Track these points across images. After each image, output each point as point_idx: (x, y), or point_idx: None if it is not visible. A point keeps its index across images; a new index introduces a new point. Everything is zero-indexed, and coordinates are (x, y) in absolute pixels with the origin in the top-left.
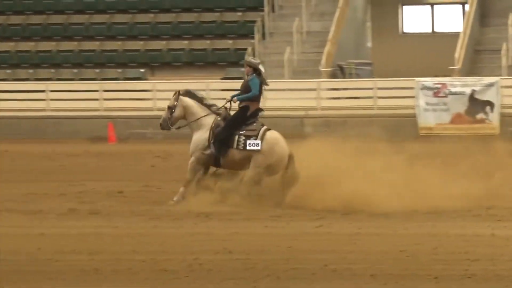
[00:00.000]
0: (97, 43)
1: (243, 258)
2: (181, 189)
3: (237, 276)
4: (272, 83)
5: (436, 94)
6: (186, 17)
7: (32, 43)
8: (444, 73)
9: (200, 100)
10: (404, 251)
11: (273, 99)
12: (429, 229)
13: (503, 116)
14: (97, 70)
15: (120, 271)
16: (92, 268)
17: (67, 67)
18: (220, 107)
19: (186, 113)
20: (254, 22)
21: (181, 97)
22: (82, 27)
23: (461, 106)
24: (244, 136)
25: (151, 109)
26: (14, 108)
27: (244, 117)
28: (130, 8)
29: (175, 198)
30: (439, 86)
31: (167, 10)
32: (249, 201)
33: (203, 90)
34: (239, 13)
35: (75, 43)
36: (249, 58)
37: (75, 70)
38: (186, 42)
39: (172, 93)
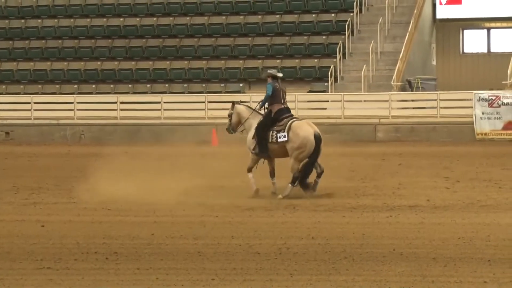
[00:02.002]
0: (204, 62)
1: (324, 243)
2: (250, 177)
3: (318, 258)
4: (351, 96)
5: (490, 105)
6: (279, 40)
7: (150, 62)
8: (497, 87)
9: (249, 106)
10: (461, 238)
11: (352, 109)
12: (483, 219)
13: None
14: (203, 85)
15: (220, 253)
16: (196, 251)
17: (178, 82)
18: (255, 107)
19: (240, 118)
20: (336, 44)
21: (236, 105)
22: (192, 48)
23: None
24: (276, 131)
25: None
26: (134, 116)
27: (269, 118)
28: (231, 33)
29: (252, 189)
30: (493, 97)
31: (263, 34)
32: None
33: (292, 101)
34: (324, 36)
35: (186, 62)
36: (267, 71)
37: (185, 85)
38: (278, 61)
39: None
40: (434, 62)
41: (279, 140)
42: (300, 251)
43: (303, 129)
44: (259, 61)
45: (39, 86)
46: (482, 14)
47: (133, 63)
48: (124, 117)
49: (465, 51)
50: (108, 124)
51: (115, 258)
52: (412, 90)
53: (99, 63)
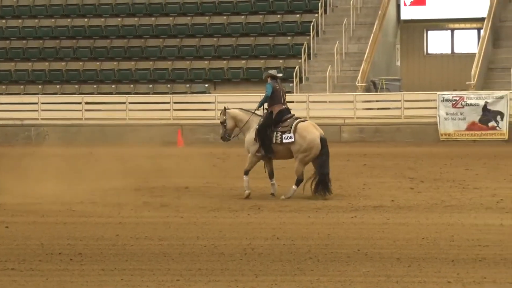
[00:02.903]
0: (169, 62)
1: (289, 244)
2: (245, 179)
3: (284, 258)
4: (316, 96)
5: (454, 105)
6: (244, 40)
7: (115, 63)
8: (461, 88)
9: (242, 109)
10: (425, 238)
11: (317, 110)
12: (447, 220)
13: (511, 124)
14: (169, 85)
15: (185, 254)
16: (161, 252)
17: (143, 83)
18: (256, 109)
19: (236, 122)
20: (301, 44)
21: (228, 111)
22: (157, 49)
23: (475, 116)
24: (280, 132)
25: (213, 118)
26: (99, 117)
27: (270, 120)
28: (197, 33)
29: (245, 191)
30: (457, 98)
31: (228, 35)
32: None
33: (257, 102)
34: (289, 37)
35: (151, 62)
36: (267, 71)
37: (150, 86)
38: (243, 61)
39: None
40: (398, 63)
41: (284, 141)
42: (265, 251)
43: (310, 132)
44: (224, 61)
45: (3, 86)
46: (446, 15)
47: (98, 63)
48: (89, 118)
49: (429, 52)
50: (73, 125)
51: (79, 259)
52: (376, 91)
53: (63, 63)
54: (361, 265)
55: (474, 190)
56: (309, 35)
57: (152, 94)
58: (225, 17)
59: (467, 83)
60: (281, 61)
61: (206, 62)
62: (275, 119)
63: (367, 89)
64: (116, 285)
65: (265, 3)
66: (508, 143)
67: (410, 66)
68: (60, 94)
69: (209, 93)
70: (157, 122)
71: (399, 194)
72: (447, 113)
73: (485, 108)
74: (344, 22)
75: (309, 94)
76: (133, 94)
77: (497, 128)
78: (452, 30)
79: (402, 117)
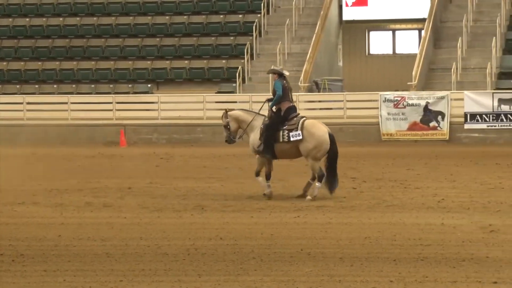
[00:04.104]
0: (112, 62)
1: (232, 244)
2: (260, 180)
3: (227, 259)
4: (259, 96)
5: (396, 106)
6: (187, 40)
7: (57, 63)
8: (403, 88)
9: (243, 109)
10: (368, 238)
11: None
12: (389, 219)
13: (452, 124)
14: (111, 85)
15: (128, 254)
16: (104, 252)
17: (86, 83)
18: (260, 109)
19: (239, 123)
20: (244, 45)
21: (229, 113)
22: (99, 49)
23: (417, 116)
24: (287, 130)
25: (156, 118)
26: (41, 117)
27: (279, 117)
28: (139, 33)
29: (265, 192)
30: (398, 99)
31: (171, 35)
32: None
33: (200, 102)
34: (231, 37)
35: (93, 62)
36: (272, 66)
37: (93, 86)
38: (186, 62)
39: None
40: (340, 63)
41: (291, 139)
42: (209, 251)
43: (318, 128)
44: (167, 61)
45: None
46: (388, 15)
47: (40, 63)
48: (31, 118)
49: (371, 52)
50: (14, 125)
51: (21, 260)
52: (319, 91)
53: (5, 63)
54: (304, 265)
55: (415, 190)
56: (252, 35)
57: (94, 94)
58: (167, 17)
59: (408, 83)
60: (224, 61)
61: (148, 62)
62: (283, 116)
63: (310, 90)
64: (58, 286)
65: (208, 3)
66: (449, 143)
67: (352, 66)
68: (1, 95)
69: (152, 93)
70: (99, 122)
71: (341, 194)
72: (389, 113)
73: (426, 108)
74: (287, 22)
75: (252, 94)
76: (75, 94)
77: (438, 128)
78: (394, 30)
79: (344, 117)
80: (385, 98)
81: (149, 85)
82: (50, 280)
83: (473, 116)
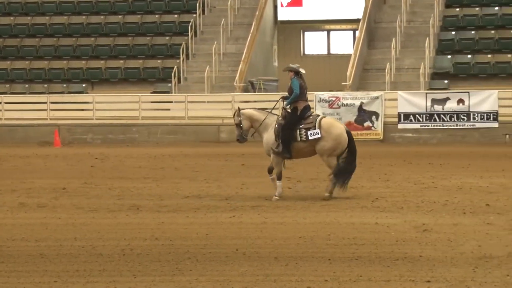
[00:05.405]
0: (46, 62)
1: (167, 244)
2: (277, 182)
3: (162, 259)
4: (194, 96)
5: (331, 106)
6: (122, 40)
7: None
8: (338, 88)
9: (256, 108)
10: (303, 237)
11: (196, 110)
12: (323, 219)
13: (385, 124)
14: (46, 85)
15: (62, 255)
16: (38, 253)
17: (20, 83)
18: (273, 107)
19: (252, 122)
20: (179, 45)
21: (242, 111)
22: (33, 49)
23: (351, 116)
24: (305, 129)
25: (91, 118)
26: None
27: (296, 116)
28: (73, 33)
29: (276, 194)
30: (333, 99)
31: (106, 35)
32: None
33: (136, 102)
34: (167, 37)
35: (27, 62)
36: (289, 64)
37: (27, 85)
38: (121, 61)
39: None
40: (276, 64)
41: (310, 137)
42: (144, 252)
43: (336, 126)
44: (102, 61)
45: None
46: (322, 16)
47: None
48: None
49: (306, 52)
50: None
51: None
52: (254, 91)
53: None
54: (240, 265)
55: (350, 189)
56: (187, 35)
57: (28, 94)
58: (102, 17)
59: (343, 83)
60: (159, 61)
61: (83, 62)
62: (300, 115)
63: (245, 89)
64: None
65: (143, 3)
66: (383, 143)
67: None
68: None
69: (86, 93)
70: (33, 122)
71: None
72: (323, 114)
73: (360, 108)
74: (222, 22)
75: (188, 94)
76: (9, 94)
77: (373, 128)
78: (328, 31)
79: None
80: (320, 98)
81: (83, 85)
82: None
83: (406, 116)
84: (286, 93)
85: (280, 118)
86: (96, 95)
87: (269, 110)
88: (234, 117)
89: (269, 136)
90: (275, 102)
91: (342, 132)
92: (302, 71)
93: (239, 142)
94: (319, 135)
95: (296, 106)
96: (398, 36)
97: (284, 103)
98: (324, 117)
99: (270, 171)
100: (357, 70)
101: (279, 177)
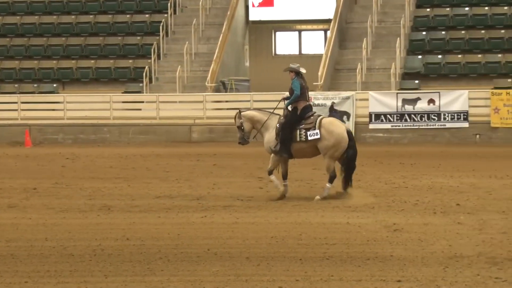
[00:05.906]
0: (17, 62)
1: (139, 244)
2: (273, 179)
3: (133, 259)
4: (166, 96)
5: None
6: (93, 40)
7: None
8: (309, 88)
9: (256, 109)
10: (274, 237)
11: (167, 110)
12: (295, 219)
13: (357, 124)
14: (16, 85)
15: (33, 255)
16: (9, 254)
17: None
18: (275, 108)
19: (253, 123)
20: (151, 44)
21: (243, 113)
22: (4, 48)
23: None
24: (304, 129)
25: (62, 118)
26: None
27: (296, 116)
28: (44, 32)
29: (279, 190)
30: None
31: (77, 34)
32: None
33: (107, 102)
34: (138, 37)
35: None
36: (290, 64)
37: None
38: (92, 61)
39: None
40: (247, 64)
41: (309, 138)
42: (115, 252)
43: (336, 126)
44: (73, 61)
45: None
46: (294, 16)
47: None
48: None
49: (277, 52)
50: None
51: None
52: (226, 91)
53: None
54: (211, 265)
55: (321, 189)
56: (159, 35)
57: None
58: (73, 17)
59: (314, 83)
60: (130, 61)
61: (54, 61)
62: (300, 115)
63: (217, 89)
64: None
65: (114, 3)
66: None
67: (258, 66)
68: None
69: (57, 93)
70: (4, 122)
71: (248, 193)
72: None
73: (332, 108)
74: (194, 22)
75: (159, 94)
76: None
77: None
78: (300, 31)
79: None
80: None
81: (54, 85)
82: None
83: (377, 116)
84: (255, 92)
85: (282, 118)
86: (67, 95)
87: (271, 111)
88: (235, 119)
89: (270, 135)
90: (277, 103)
91: (342, 132)
92: (303, 70)
93: (241, 145)
94: (318, 136)
95: (296, 106)
96: (369, 36)
97: (285, 103)
98: (325, 117)
99: (284, 176)
100: (329, 70)
101: (271, 173)
